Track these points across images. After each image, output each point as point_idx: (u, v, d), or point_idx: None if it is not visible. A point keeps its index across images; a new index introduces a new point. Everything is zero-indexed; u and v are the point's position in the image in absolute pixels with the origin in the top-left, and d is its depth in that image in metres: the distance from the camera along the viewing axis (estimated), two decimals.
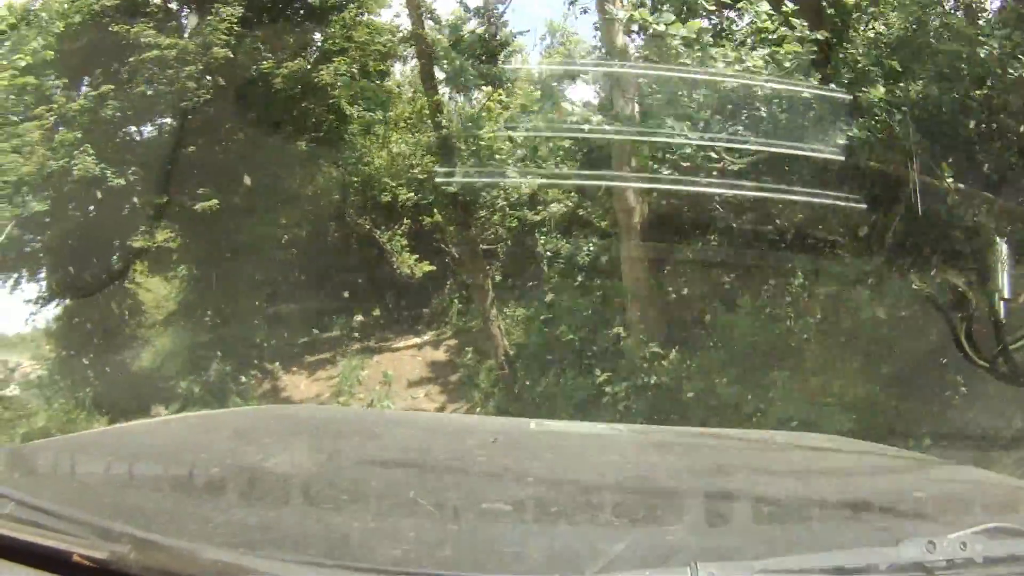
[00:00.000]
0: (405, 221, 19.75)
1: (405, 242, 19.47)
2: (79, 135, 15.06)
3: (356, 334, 19.84)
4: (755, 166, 8.06)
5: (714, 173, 8.21)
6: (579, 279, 14.79)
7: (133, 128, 16.58)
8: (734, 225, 11.83)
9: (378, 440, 2.55)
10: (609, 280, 14.18)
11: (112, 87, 15.66)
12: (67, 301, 19.59)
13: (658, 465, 2.34)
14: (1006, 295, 6.99)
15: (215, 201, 15.88)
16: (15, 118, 15.27)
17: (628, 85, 11.09)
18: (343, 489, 1.85)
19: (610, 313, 13.37)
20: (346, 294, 20.43)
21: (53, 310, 19.85)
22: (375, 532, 1.56)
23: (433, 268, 19.18)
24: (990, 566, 1.41)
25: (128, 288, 20.44)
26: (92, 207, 17.23)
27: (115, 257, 18.86)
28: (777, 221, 10.27)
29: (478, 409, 14.91)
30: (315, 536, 1.53)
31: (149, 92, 15.93)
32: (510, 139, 14.30)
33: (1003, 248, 7.13)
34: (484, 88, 18.12)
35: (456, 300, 19.52)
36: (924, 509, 1.92)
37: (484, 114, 16.39)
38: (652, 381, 11.50)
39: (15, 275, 19.17)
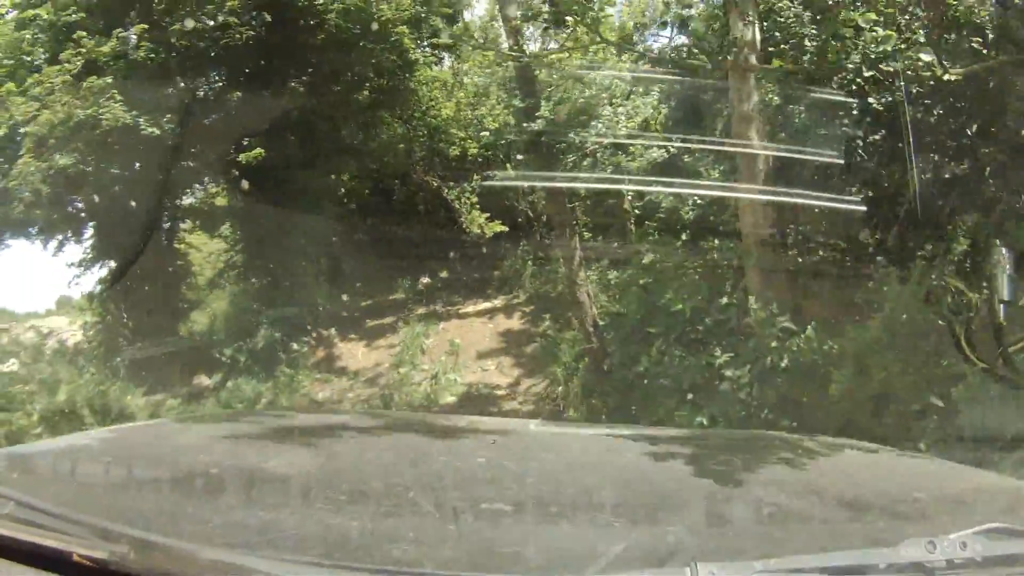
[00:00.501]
0: (475, 176, 17.42)
1: (475, 199, 17.44)
2: (109, 80, 13.05)
3: (421, 298, 18.30)
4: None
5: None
6: (683, 238, 12.17)
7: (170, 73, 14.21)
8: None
9: (377, 441, 2.55)
10: (723, 240, 11.68)
11: (146, 26, 13.73)
12: (111, 263, 18.11)
13: (657, 465, 2.32)
14: (1005, 297, 7.05)
15: (260, 151, 13.94)
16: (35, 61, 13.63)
17: None
18: (342, 490, 1.83)
19: (722, 281, 11.08)
20: (411, 255, 18.19)
21: (97, 272, 18.48)
22: (374, 532, 1.54)
23: (505, 228, 17.23)
24: (990, 566, 1.38)
25: (176, 248, 18.99)
26: (134, 162, 15.59)
27: (160, 215, 17.43)
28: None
29: (559, 388, 13.04)
30: (314, 537, 1.49)
31: (187, 30, 14.00)
32: None
33: (1003, 251, 7.15)
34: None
35: (529, 262, 17.52)
36: (924, 509, 1.91)
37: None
38: (783, 364, 8.93)
39: (60, 236, 17.87)
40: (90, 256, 18.32)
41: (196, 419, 3.59)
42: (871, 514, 1.88)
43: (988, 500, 2.04)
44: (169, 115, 14.00)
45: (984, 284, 7.56)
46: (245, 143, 14.74)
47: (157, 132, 13.58)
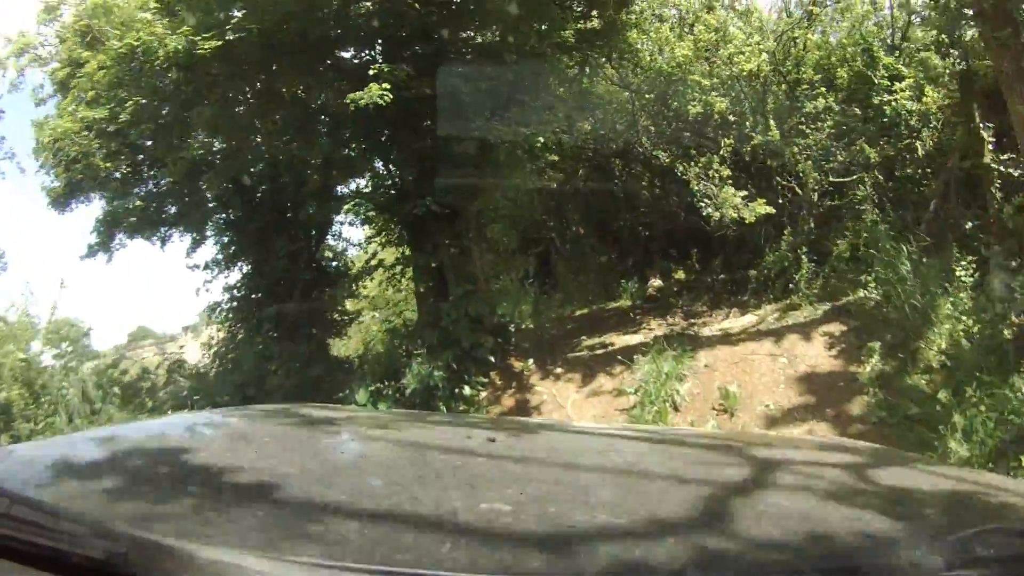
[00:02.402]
0: (725, 142, 12.54)
1: (726, 172, 13.02)
2: None
3: (653, 307, 14.18)
4: None
5: None
6: None
7: None
8: None
9: (377, 440, 2.48)
10: None
11: None
12: (244, 266, 15.80)
13: (657, 465, 2.26)
14: None
15: None
16: None
17: None
18: (341, 489, 1.79)
19: None
20: (637, 250, 13.41)
21: (226, 278, 16.25)
22: (373, 532, 1.51)
23: (771, 209, 12.69)
24: (991, 567, 1.36)
25: (329, 248, 16.09)
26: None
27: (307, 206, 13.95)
28: None
29: None
30: (313, 536, 1.46)
31: None
32: None
33: None
34: None
35: (805, 257, 13.20)
36: (925, 510, 1.88)
37: None
38: None
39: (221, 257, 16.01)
40: (222, 257, 15.83)
41: (196, 418, 3.28)
42: (871, 515, 1.73)
43: (989, 500, 2.00)
44: None
45: None
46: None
47: None
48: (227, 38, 10.77)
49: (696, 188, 13.07)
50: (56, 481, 1.86)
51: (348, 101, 10.85)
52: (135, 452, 2.18)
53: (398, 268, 14.70)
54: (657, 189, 14.14)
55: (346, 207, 13.46)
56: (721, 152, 13.20)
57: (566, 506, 1.73)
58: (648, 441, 2.90)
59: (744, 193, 12.88)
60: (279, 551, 1.34)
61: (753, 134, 13.26)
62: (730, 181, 12.95)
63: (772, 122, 13.16)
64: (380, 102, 10.75)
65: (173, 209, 15.36)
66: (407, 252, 14.06)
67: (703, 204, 12.95)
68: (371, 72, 11.15)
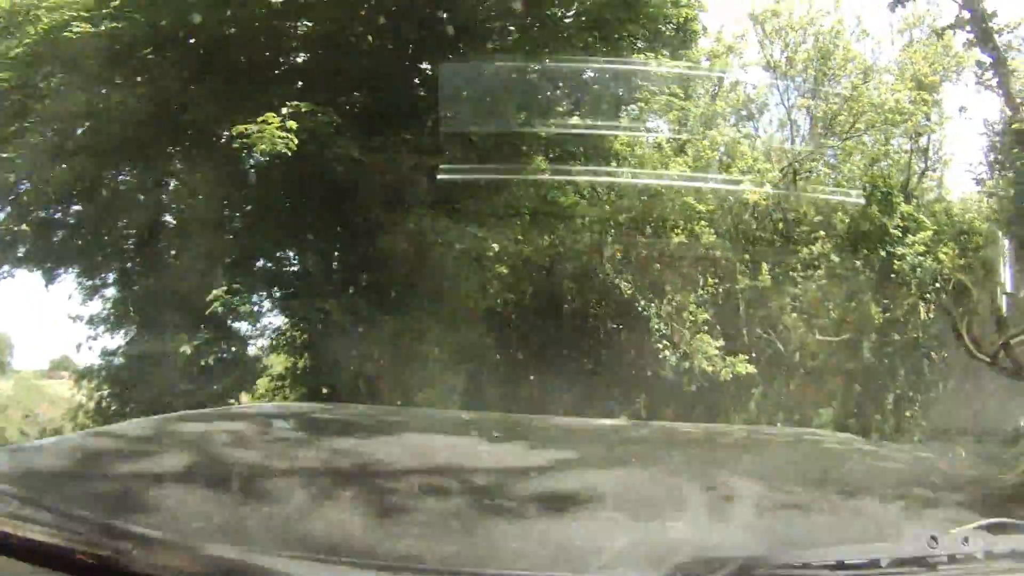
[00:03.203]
0: (709, 280, 10.58)
1: (705, 316, 10.97)
2: None
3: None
4: None
5: None
6: None
7: None
8: None
9: (380, 437, 2.49)
10: None
11: None
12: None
13: (660, 461, 2.31)
14: (1008, 289, 7.10)
15: None
16: None
17: None
18: (345, 486, 1.82)
19: None
20: (579, 387, 11.61)
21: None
22: (377, 529, 1.53)
23: (753, 369, 11.10)
24: (991, 561, 1.38)
25: None
26: None
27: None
28: None
29: None
30: (317, 533, 1.49)
31: None
32: None
33: (1005, 243, 7.14)
34: None
35: (780, 425, 10.65)
36: (926, 504, 1.91)
37: None
38: None
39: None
40: (109, 315, 12.50)
41: (198, 416, 2.98)
42: (873, 509, 1.82)
43: (989, 495, 2.04)
44: None
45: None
46: None
47: None
48: (103, 26, 8.33)
49: (656, 328, 11.12)
50: (59, 479, 1.81)
51: (235, 135, 8.26)
52: (137, 450, 2.13)
53: (287, 381, 11.51)
54: (611, 323, 11.96)
55: (213, 295, 9.90)
56: (700, 292, 11.07)
57: (569, 501, 1.72)
58: (650, 437, 2.84)
59: (720, 344, 10.70)
60: (282, 547, 1.34)
61: (740, 275, 11.20)
62: (706, 327, 10.78)
63: (765, 264, 11.13)
64: (283, 150, 8.30)
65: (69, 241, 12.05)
66: (302, 363, 11.36)
67: (662, 347, 10.90)
68: (284, 111, 8.42)
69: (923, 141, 12.76)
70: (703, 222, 11.47)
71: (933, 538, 1.38)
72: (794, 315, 11.54)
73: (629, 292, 11.51)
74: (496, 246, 11.01)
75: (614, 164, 12.26)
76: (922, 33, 12.97)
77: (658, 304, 11.28)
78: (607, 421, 3.97)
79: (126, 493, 1.74)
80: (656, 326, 11.19)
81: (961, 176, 12.95)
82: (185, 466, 1.99)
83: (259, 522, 1.54)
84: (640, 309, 11.30)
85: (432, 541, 1.46)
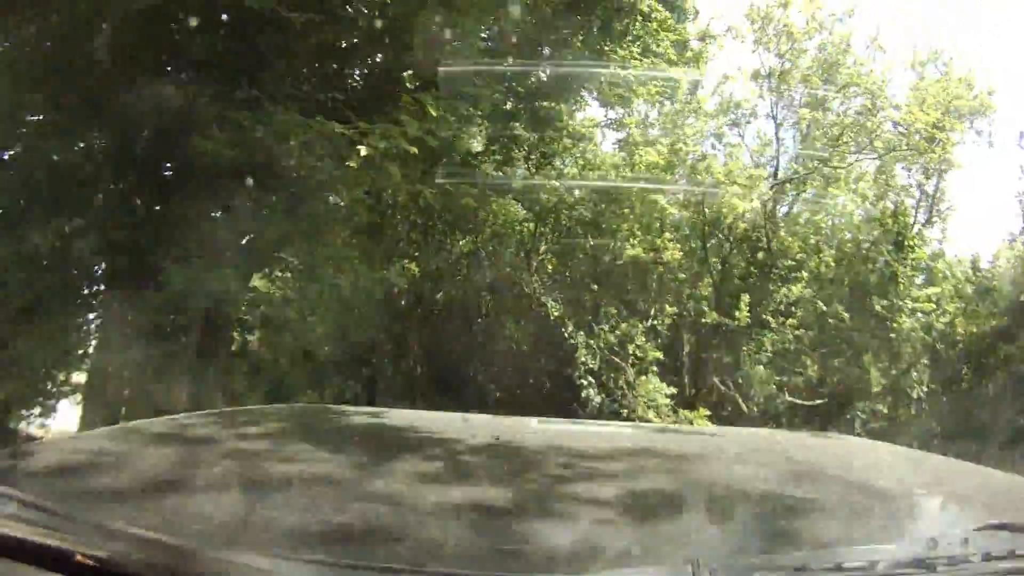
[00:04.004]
0: (668, 309, 7.95)
1: (657, 355, 8.01)
2: None
3: None
4: None
5: None
6: None
7: None
8: None
9: (379, 439, 2.47)
10: None
11: None
12: None
13: (659, 463, 2.24)
14: None
15: None
16: None
17: None
18: (344, 488, 1.76)
19: None
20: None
21: None
22: (376, 531, 1.49)
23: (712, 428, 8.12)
24: (991, 563, 1.30)
25: None
26: None
27: None
28: None
29: None
30: (317, 535, 1.45)
31: None
32: None
33: None
34: None
35: None
36: (926, 506, 1.90)
37: None
38: None
39: None
40: None
41: (197, 418, 2.73)
42: (873, 510, 1.72)
43: (990, 496, 1.95)
44: None
45: None
46: None
47: None
48: None
49: (583, 362, 8.87)
50: (59, 480, 1.77)
51: None
52: (137, 451, 2.13)
53: None
54: (525, 346, 9.62)
55: None
56: (653, 322, 8.47)
57: (569, 503, 1.72)
58: (650, 438, 2.94)
59: (674, 391, 8.11)
60: (281, 550, 1.33)
61: (707, 308, 8.63)
62: (656, 368, 8.20)
63: (745, 298, 8.61)
64: None
65: None
66: None
67: (585, 384, 8.75)
68: None
69: (932, 182, 10.39)
70: (667, 234, 8.95)
71: (932, 540, 1.33)
72: (762, 367, 9.06)
73: (556, 313, 8.86)
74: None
75: (561, 158, 9.73)
76: (937, 70, 10.71)
77: (594, 333, 8.69)
78: (607, 424, 3.83)
79: (126, 494, 1.65)
80: (583, 359, 8.86)
81: (962, 228, 10.43)
82: (185, 467, 1.91)
83: (259, 524, 1.49)
84: (567, 336, 8.69)
85: (431, 543, 1.42)
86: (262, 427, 2.56)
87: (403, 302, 10.63)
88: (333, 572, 1.25)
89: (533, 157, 9.91)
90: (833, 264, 9.79)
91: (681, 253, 9.26)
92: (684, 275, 9.33)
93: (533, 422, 2.91)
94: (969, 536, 1.38)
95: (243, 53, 6.63)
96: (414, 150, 6.00)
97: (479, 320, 10.47)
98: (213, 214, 7.42)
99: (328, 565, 1.26)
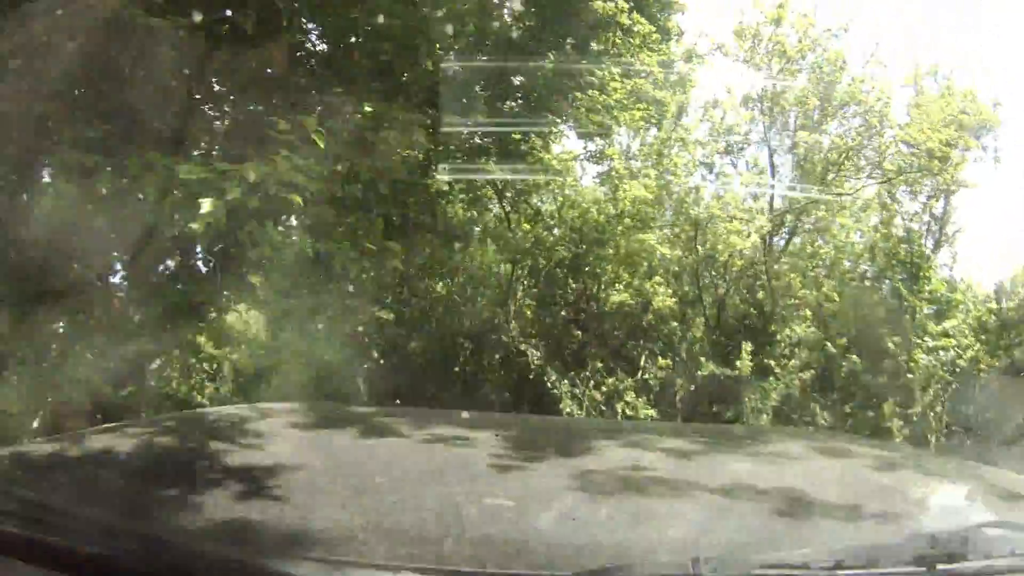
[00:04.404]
0: (660, 362, 7.44)
1: (649, 412, 8.49)
2: None
3: None
4: None
5: None
6: None
7: None
8: None
9: (380, 436, 2.48)
10: None
11: None
12: None
13: (659, 460, 2.27)
14: None
15: None
16: None
17: None
18: (345, 485, 1.81)
19: None
20: None
21: None
22: (377, 528, 1.51)
23: None
24: (991, 561, 1.35)
25: None
26: None
27: None
28: None
29: None
30: (317, 532, 1.46)
31: None
32: None
33: None
34: None
35: None
36: (925, 504, 1.92)
37: None
38: None
39: None
40: None
41: (200, 416, 3.20)
42: (872, 509, 1.75)
43: (989, 495, 1.98)
44: None
45: None
46: None
47: None
48: None
49: (568, 412, 8.06)
50: (61, 479, 1.81)
51: None
52: (139, 450, 2.13)
53: None
54: (508, 394, 8.84)
55: None
56: (644, 376, 7.63)
57: (569, 500, 1.72)
58: (649, 436, 2.85)
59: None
60: (283, 547, 1.34)
61: (703, 358, 7.79)
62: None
63: (747, 345, 7.82)
64: None
65: None
66: None
67: None
68: None
69: (940, 204, 9.55)
70: (657, 277, 8.11)
71: (932, 538, 1.37)
72: (767, 418, 8.25)
73: (538, 362, 8.02)
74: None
75: (538, 196, 8.95)
76: (937, 85, 9.89)
77: (579, 383, 7.86)
78: (607, 421, 3.82)
79: (127, 493, 1.68)
80: (568, 410, 8.08)
81: (971, 250, 9.74)
82: (188, 466, 1.95)
83: (261, 522, 1.49)
84: (550, 386, 8.01)
85: (432, 541, 1.43)
86: (263, 425, 2.50)
87: (374, 352, 9.89)
88: (333, 570, 1.25)
89: (508, 195, 9.12)
90: (837, 299, 8.94)
91: (673, 299, 8.46)
92: (675, 322, 8.48)
93: (534, 419, 2.80)
94: (969, 535, 1.37)
95: None
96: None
97: (456, 369, 9.70)
98: None
99: (329, 562, 1.26)
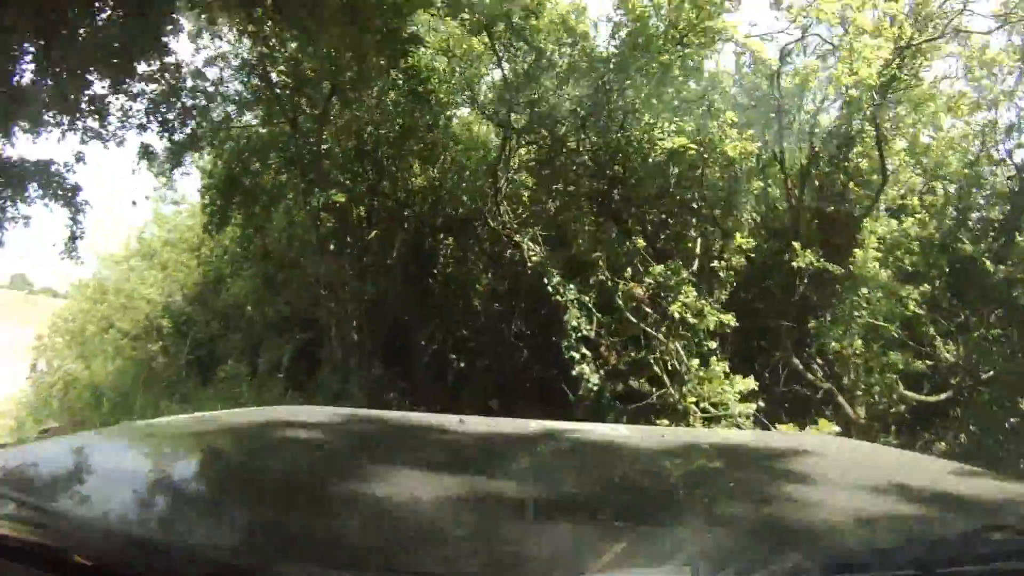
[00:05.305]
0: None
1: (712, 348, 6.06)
2: None
3: None
4: None
5: None
6: None
7: None
8: None
9: (378, 440, 2.39)
10: None
11: None
12: None
13: (659, 465, 2.22)
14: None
15: None
16: None
17: None
18: (342, 489, 1.70)
19: None
20: (440, 390, 8.20)
21: None
22: (374, 532, 1.43)
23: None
24: (990, 564, 1.26)
25: None
26: None
27: None
28: None
29: None
30: (316, 537, 1.38)
31: None
32: None
33: None
34: None
35: None
36: (925, 508, 1.78)
37: None
38: None
39: None
40: None
41: (198, 418, 2.62)
42: (872, 514, 1.64)
43: (989, 499, 1.87)
44: None
45: None
46: None
47: None
48: None
49: (575, 324, 6.06)
50: (57, 481, 1.73)
51: None
52: (136, 452, 2.08)
53: None
54: (498, 303, 7.10)
55: None
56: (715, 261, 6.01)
57: (568, 505, 1.67)
58: (649, 441, 2.73)
59: (752, 386, 5.47)
60: (281, 552, 1.28)
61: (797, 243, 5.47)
62: (719, 353, 5.79)
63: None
64: None
65: None
66: None
67: (575, 357, 6.05)
68: None
69: None
70: (729, 113, 5.61)
71: (932, 542, 1.37)
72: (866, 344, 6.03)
73: (535, 258, 5.77)
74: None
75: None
76: None
77: (589, 285, 5.85)
78: (605, 426, 3.27)
79: (124, 495, 1.59)
80: (574, 322, 6.00)
81: None
82: (183, 469, 1.93)
83: (259, 526, 1.45)
84: (551, 290, 5.99)
85: (430, 546, 1.36)
86: (260, 428, 2.44)
87: (348, 248, 8.31)
88: (332, 573, 1.20)
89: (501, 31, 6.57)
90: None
91: (756, 144, 6.01)
92: (756, 179, 5.91)
93: (531, 424, 2.80)
94: (969, 538, 1.37)
95: None
96: None
97: (438, 267, 7.54)
98: None
99: (326, 567, 1.21)
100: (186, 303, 11.71)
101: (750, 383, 5.48)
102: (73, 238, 8.18)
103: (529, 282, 6.65)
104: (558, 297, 6.10)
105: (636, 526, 1.55)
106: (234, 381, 10.38)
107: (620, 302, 6.02)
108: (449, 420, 2.71)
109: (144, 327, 11.70)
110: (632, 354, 6.00)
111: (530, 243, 6.30)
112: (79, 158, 7.76)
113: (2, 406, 11.67)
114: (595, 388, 6.04)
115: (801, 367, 6.23)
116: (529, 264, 6.28)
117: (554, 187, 6.48)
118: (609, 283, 6.08)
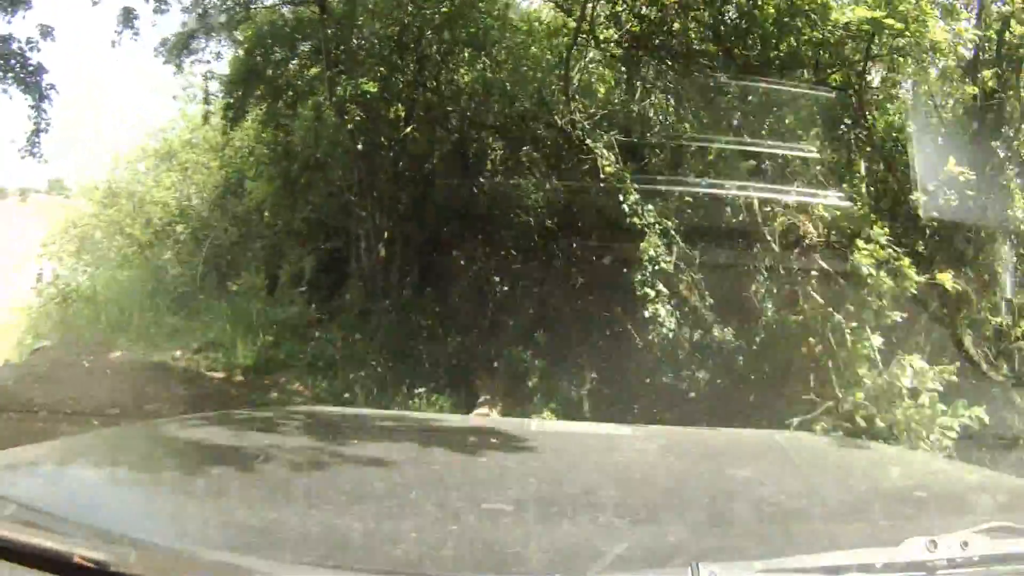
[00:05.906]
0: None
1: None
2: None
3: None
4: None
5: None
6: None
7: None
8: None
9: (378, 441, 2.50)
10: None
11: None
12: None
13: (659, 465, 2.28)
14: (1008, 295, 6.22)
15: None
16: None
17: None
18: (343, 490, 1.78)
19: None
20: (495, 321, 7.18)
21: None
22: (375, 533, 1.49)
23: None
24: (991, 565, 1.34)
25: None
26: None
27: None
28: None
29: None
30: (315, 538, 1.45)
31: None
32: None
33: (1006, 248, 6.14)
34: None
35: None
36: (925, 508, 1.85)
37: None
38: None
39: None
40: None
41: (197, 420, 2.92)
42: (872, 513, 1.72)
43: (989, 498, 1.94)
44: None
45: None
46: None
47: None
48: None
49: (651, 255, 5.04)
50: (58, 483, 1.81)
51: None
52: (136, 454, 2.16)
53: None
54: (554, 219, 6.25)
55: None
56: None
57: (568, 505, 1.71)
58: (649, 441, 2.82)
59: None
60: (281, 552, 1.34)
61: None
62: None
63: None
64: None
65: None
66: None
67: (650, 293, 5.03)
68: None
69: None
70: None
71: (932, 541, 1.33)
72: None
73: (608, 168, 5.10)
74: None
75: None
76: None
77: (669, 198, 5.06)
78: (606, 426, 3.36)
79: (124, 497, 1.71)
80: (652, 251, 5.01)
81: None
82: (184, 470, 1.96)
83: (258, 527, 1.49)
84: (621, 202, 5.09)
85: (430, 546, 1.41)
86: (260, 429, 2.50)
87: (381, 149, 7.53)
88: (332, 574, 1.25)
89: None
90: None
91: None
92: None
93: (533, 423, 2.88)
94: (968, 538, 1.37)
95: None
96: None
97: (485, 174, 6.91)
98: None
99: (328, 568, 1.26)
100: (204, 208, 10.88)
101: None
102: (37, 131, 7.10)
103: (591, 198, 5.66)
104: (635, 219, 5.02)
105: (637, 526, 1.54)
106: (250, 294, 9.67)
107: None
108: (451, 419, 2.62)
109: (155, 232, 10.92)
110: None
111: (604, 150, 5.19)
112: (45, 33, 6.69)
113: (12, 318, 11.05)
114: (668, 332, 4.98)
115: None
116: (602, 175, 5.15)
117: (640, 80, 5.35)
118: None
